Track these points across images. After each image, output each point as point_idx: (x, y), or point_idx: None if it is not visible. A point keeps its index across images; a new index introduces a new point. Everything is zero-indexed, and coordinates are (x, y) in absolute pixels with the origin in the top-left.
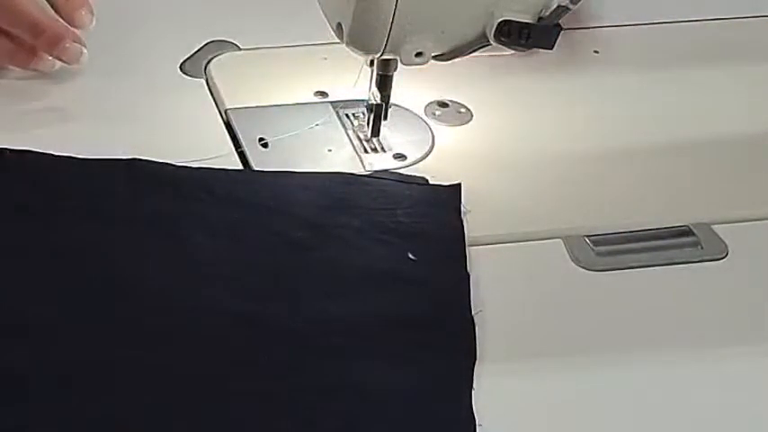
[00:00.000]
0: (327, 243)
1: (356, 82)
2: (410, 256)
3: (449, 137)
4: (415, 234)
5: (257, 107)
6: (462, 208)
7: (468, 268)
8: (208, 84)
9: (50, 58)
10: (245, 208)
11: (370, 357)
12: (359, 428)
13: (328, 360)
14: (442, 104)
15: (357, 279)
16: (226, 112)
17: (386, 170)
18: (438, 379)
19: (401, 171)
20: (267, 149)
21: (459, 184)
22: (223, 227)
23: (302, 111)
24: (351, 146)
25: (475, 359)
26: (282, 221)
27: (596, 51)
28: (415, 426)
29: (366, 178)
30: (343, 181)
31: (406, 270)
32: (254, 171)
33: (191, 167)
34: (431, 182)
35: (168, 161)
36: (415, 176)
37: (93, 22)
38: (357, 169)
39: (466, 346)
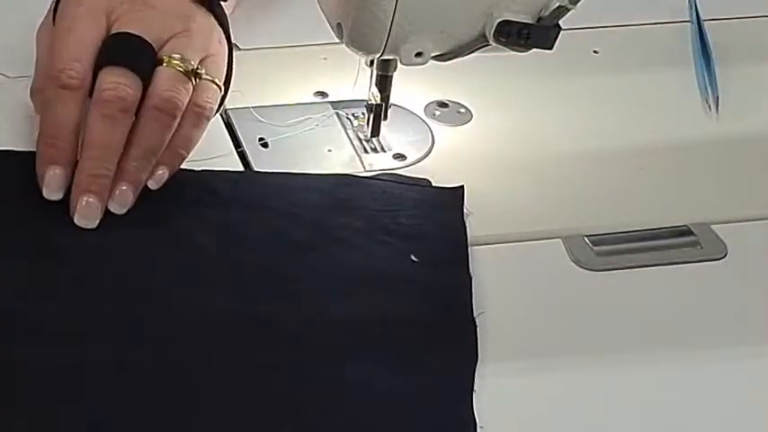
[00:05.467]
0: (329, 244)
1: (356, 82)
2: (412, 257)
3: (448, 137)
4: (417, 236)
5: (257, 107)
6: (465, 210)
7: (471, 271)
8: None
9: None
10: (246, 209)
11: (371, 359)
12: (359, 429)
13: (329, 361)
14: (442, 104)
15: (358, 280)
16: (226, 112)
17: (386, 170)
18: (439, 380)
19: (401, 171)
20: (267, 149)
21: (461, 187)
22: (225, 228)
23: (302, 111)
24: (351, 146)
25: (476, 361)
26: (284, 222)
27: (596, 51)
28: (416, 427)
29: (368, 179)
30: (345, 182)
31: (407, 271)
32: (256, 172)
33: (192, 169)
34: (431, 182)
35: None
36: (418, 178)
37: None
38: (357, 169)
39: (467, 348)
